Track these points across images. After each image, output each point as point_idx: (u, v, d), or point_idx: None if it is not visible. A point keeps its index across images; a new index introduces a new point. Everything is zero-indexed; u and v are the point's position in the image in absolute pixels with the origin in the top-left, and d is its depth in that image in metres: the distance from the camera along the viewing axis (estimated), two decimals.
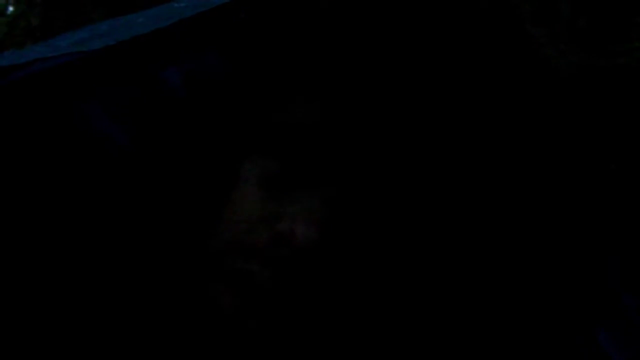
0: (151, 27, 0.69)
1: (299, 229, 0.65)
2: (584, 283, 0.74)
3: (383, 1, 0.70)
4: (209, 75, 0.73)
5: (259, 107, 0.71)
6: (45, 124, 0.73)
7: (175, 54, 0.72)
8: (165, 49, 0.71)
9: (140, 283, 0.72)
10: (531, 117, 0.74)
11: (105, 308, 0.71)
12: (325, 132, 0.68)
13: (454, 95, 0.72)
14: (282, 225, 0.66)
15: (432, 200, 0.70)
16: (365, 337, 0.72)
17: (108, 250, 0.72)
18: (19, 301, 0.70)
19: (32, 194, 0.72)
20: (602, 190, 0.76)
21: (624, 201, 0.76)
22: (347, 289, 0.69)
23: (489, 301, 0.73)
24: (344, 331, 0.70)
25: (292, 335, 0.68)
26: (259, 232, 0.67)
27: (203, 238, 0.70)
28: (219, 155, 0.71)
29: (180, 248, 0.71)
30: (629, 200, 0.76)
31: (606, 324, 0.73)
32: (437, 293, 0.72)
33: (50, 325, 0.70)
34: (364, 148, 0.68)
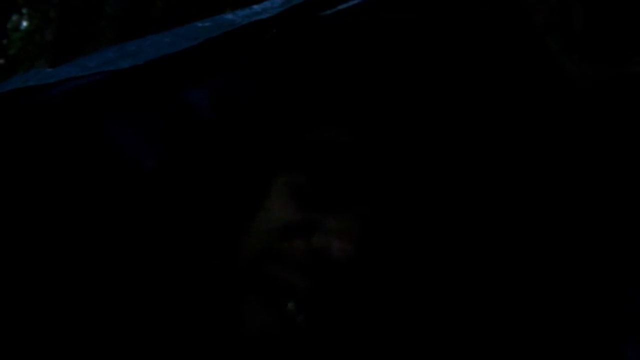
0: (179, 47, 0.69)
1: (335, 244, 0.66)
2: (612, 299, 0.74)
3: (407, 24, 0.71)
4: (236, 94, 0.74)
5: (288, 126, 0.72)
6: (73, 143, 0.74)
7: (203, 74, 0.73)
8: (193, 69, 0.72)
9: (171, 292, 0.73)
10: (551, 129, 0.74)
11: (137, 317, 0.72)
12: (356, 152, 0.69)
13: (473, 110, 0.73)
14: (318, 239, 0.67)
15: (464, 221, 0.71)
16: (398, 348, 0.73)
17: (137, 263, 0.73)
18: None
19: (60, 207, 0.73)
20: (619, 203, 0.76)
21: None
22: (379, 303, 0.70)
23: (520, 315, 0.74)
24: (378, 341, 0.71)
25: (330, 344, 0.69)
26: (293, 242, 0.68)
27: (235, 245, 0.71)
28: (250, 172, 0.72)
29: (213, 255, 0.72)
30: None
31: (634, 339, 0.73)
32: (467, 311, 0.73)
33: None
34: (395, 168, 0.69)
